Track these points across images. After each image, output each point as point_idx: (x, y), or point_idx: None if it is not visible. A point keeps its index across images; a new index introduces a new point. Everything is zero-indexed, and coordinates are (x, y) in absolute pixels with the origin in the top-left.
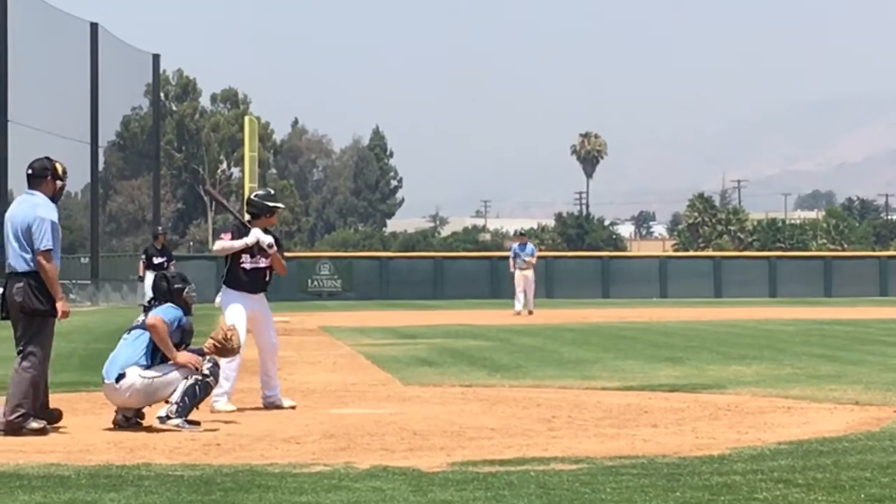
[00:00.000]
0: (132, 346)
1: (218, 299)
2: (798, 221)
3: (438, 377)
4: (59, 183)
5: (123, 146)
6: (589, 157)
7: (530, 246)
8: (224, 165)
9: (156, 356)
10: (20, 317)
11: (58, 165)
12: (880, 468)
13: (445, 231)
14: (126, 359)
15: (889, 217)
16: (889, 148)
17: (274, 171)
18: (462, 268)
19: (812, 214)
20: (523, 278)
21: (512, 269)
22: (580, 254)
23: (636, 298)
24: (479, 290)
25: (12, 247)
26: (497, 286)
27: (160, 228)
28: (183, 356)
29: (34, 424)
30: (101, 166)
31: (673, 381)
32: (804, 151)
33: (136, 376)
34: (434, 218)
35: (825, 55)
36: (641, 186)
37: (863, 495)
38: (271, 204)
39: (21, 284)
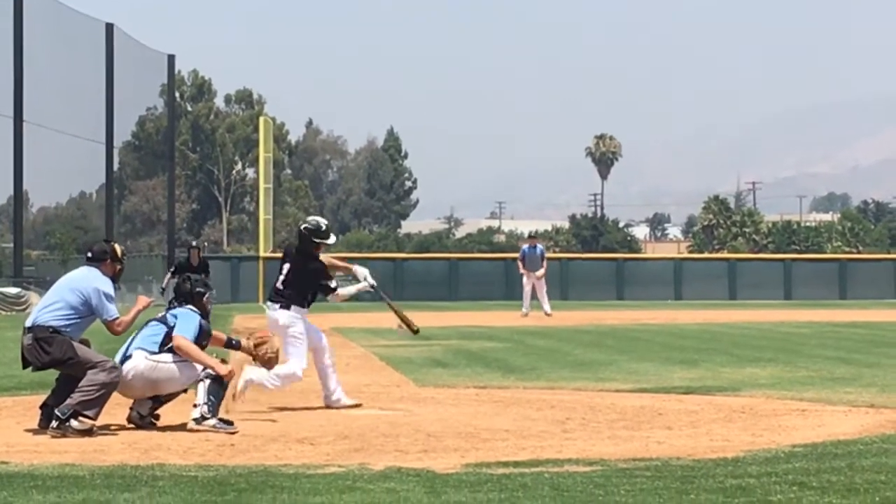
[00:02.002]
0: (145, 335)
1: (276, 314)
2: (813, 224)
3: (453, 378)
4: (118, 266)
5: (138, 146)
6: (604, 158)
7: (540, 248)
8: (239, 166)
9: (163, 347)
10: (49, 364)
11: (116, 247)
12: (895, 471)
13: (460, 232)
14: (135, 345)
15: None
16: None
17: (289, 171)
18: (477, 269)
19: (827, 217)
20: (532, 280)
21: (521, 271)
22: (595, 255)
23: (651, 300)
24: (493, 292)
25: (45, 301)
26: (511, 288)
27: (194, 242)
28: (221, 367)
29: (76, 424)
30: (116, 166)
31: (687, 383)
32: (819, 154)
33: (142, 358)
34: (449, 219)
35: (841, 58)
36: (656, 188)
37: (877, 498)
38: (317, 241)
39: (29, 340)
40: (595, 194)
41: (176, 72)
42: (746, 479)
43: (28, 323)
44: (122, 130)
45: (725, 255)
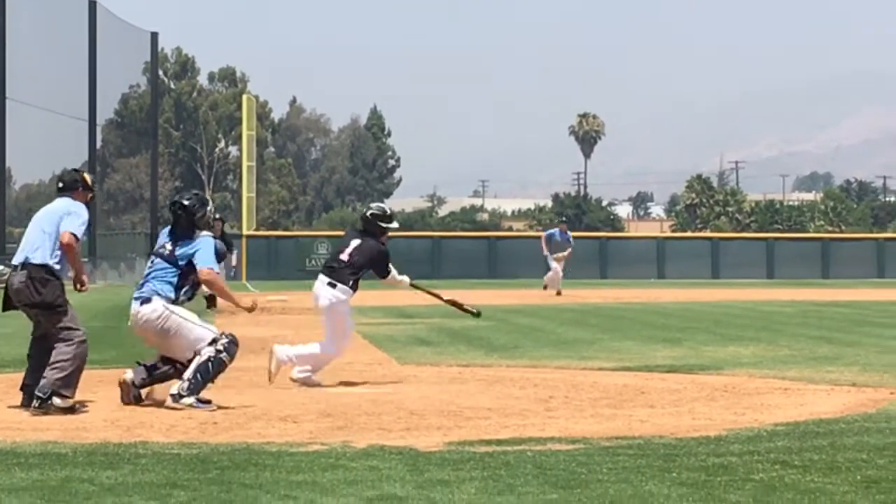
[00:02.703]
0: (158, 275)
1: (334, 296)
2: (796, 203)
3: (436, 357)
4: (89, 194)
5: (121, 124)
6: (587, 137)
7: (568, 234)
8: (222, 144)
9: (179, 291)
10: (29, 308)
11: (86, 176)
12: (876, 450)
13: (443, 211)
14: (153, 288)
15: (887, 199)
16: (887, 130)
17: (272, 149)
18: (460, 247)
19: (810, 196)
20: (556, 259)
21: (545, 253)
22: (578, 234)
23: (634, 279)
24: (476, 270)
25: (28, 237)
26: (495, 266)
27: (218, 214)
28: (245, 300)
29: (58, 402)
30: (98, 144)
31: (670, 361)
32: (802, 133)
33: (161, 305)
34: (432, 197)
35: (824, 36)
36: (639, 167)
37: (859, 477)
38: (382, 225)
39: (23, 278)
40: (578, 173)
41: (159, 49)
42: (729, 458)
43: (17, 260)
44: (105, 108)
45: (708, 234)
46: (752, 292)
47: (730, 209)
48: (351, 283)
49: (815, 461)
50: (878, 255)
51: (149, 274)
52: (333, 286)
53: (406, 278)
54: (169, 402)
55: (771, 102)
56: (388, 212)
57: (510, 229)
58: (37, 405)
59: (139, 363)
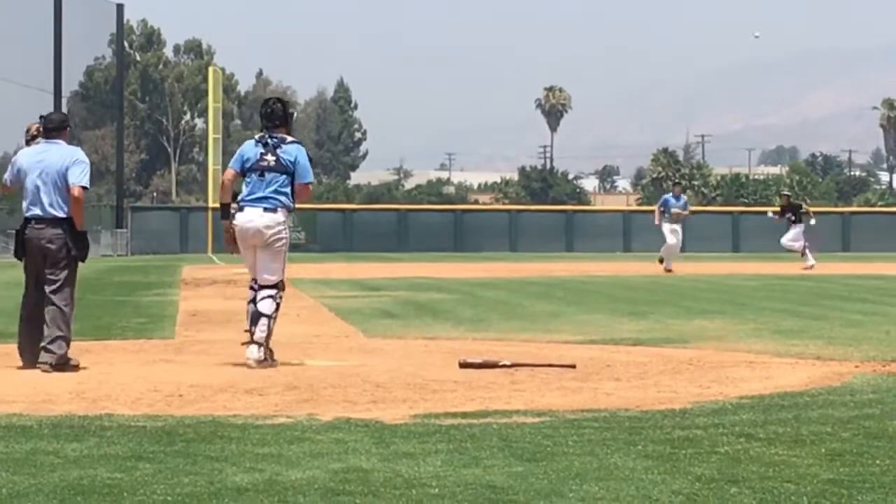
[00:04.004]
0: (278, 187)
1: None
2: (762, 177)
3: (402, 330)
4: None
5: (87, 96)
6: (553, 110)
7: (684, 198)
8: (188, 116)
9: (293, 201)
10: (51, 262)
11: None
12: (841, 423)
13: (409, 184)
14: (277, 199)
15: (852, 173)
16: (853, 105)
17: (238, 122)
18: (426, 220)
19: (776, 170)
20: (672, 231)
21: (657, 223)
22: (544, 207)
23: (600, 252)
24: (443, 243)
25: (46, 192)
26: (461, 239)
27: None
28: None
29: (73, 361)
30: None
31: (636, 335)
32: (768, 107)
33: (282, 219)
34: (398, 171)
35: (789, 11)
36: (606, 141)
37: (823, 450)
38: None
39: (59, 231)
40: (544, 146)
41: (125, 21)
42: (694, 431)
43: (43, 213)
44: (70, 80)
45: None
46: (718, 266)
47: (696, 183)
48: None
49: (780, 434)
50: (842, 228)
51: (264, 186)
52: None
53: None
54: (252, 365)
55: (737, 76)
56: None
57: (476, 202)
58: (52, 364)
59: (245, 343)
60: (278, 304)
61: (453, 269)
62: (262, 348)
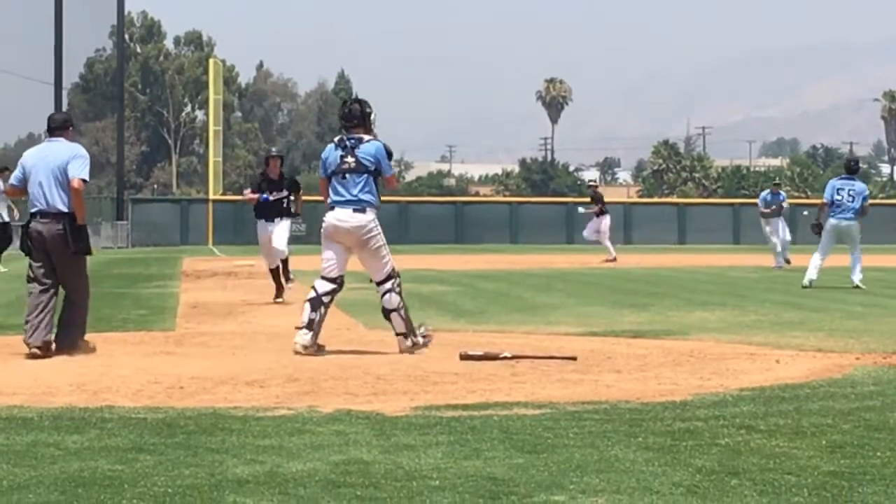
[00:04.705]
0: (364, 187)
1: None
2: (762, 169)
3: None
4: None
5: (87, 88)
6: (554, 102)
7: (783, 194)
8: (188, 108)
9: (379, 198)
10: (58, 257)
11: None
12: (841, 415)
13: (410, 175)
14: (365, 199)
15: None
16: (853, 97)
17: (239, 114)
18: (427, 212)
19: (776, 162)
20: (770, 225)
21: (763, 223)
22: (545, 199)
23: (600, 244)
24: (443, 235)
25: (49, 187)
26: (462, 231)
27: (274, 150)
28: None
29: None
30: (64, 108)
31: (636, 326)
32: (769, 99)
33: (373, 217)
34: (399, 163)
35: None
36: (606, 132)
37: (824, 442)
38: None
39: (60, 227)
40: (545, 138)
41: (125, 13)
42: (694, 423)
43: (38, 208)
44: (70, 72)
45: (675, 199)
46: (719, 257)
47: (696, 175)
48: None
49: (781, 426)
50: None
51: (350, 188)
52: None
53: None
54: (410, 353)
55: (738, 68)
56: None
57: (477, 194)
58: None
59: (299, 327)
60: (399, 294)
61: (454, 261)
62: (408, 337)
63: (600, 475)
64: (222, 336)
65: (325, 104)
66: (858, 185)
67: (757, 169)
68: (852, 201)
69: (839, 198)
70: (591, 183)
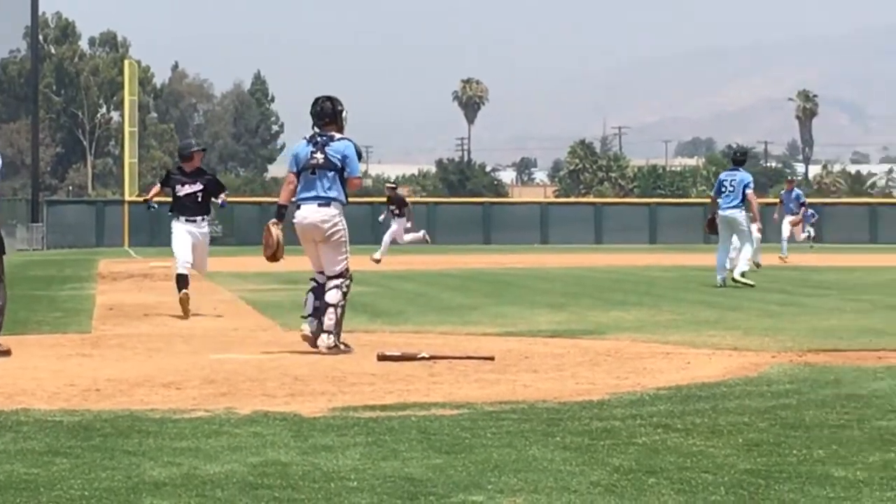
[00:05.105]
0: (330, 182)
1: None
2: (678, 168)
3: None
4: None
5: (1, 90)
6: (470, 102)
7: (797, 191)
8: (104, 109)
9: (346, 195)
10: None
11: None
12: (758, 413)
13: None
14: (330, 193)
15: (768, 164)
16: (768, 97)
17: (154, 115)
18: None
19: (692, 161)
20: (788, 225)
21: (776, 217)
22: (462, 200)
23: (517, 244)
24: (360, 236)
25: None
26: (378, 231)
27: (194, 142)
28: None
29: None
30: None
31: (553, 326)
32: (685, 99)
33: (338, 212)
34: None
35: (706, 4)
36: (523, 133)
37: (740, 440)
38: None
39: None
40: (462, 138)
41: (39, 14)
42: (612, 422)
43: None
44: None
45: (591, 199)
46: (635, 257)
47: (613, 175)
48: None
49: (698, 424)
50: (761, 219)
51: (316, 183)
52: None
53: None
54: (324, 350)
55: (654, 68)
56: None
57: None
58: None
59: (304, 316)
60: (345, 294)
61: (370, 262)
62: (331, 335)
63: (518, 475)
64: (138, 338)
65: (241, 105)
66: (740, 175)
67: (673, 168)
68: (733, 191)
69: (724, 190)
70: (390, 185)
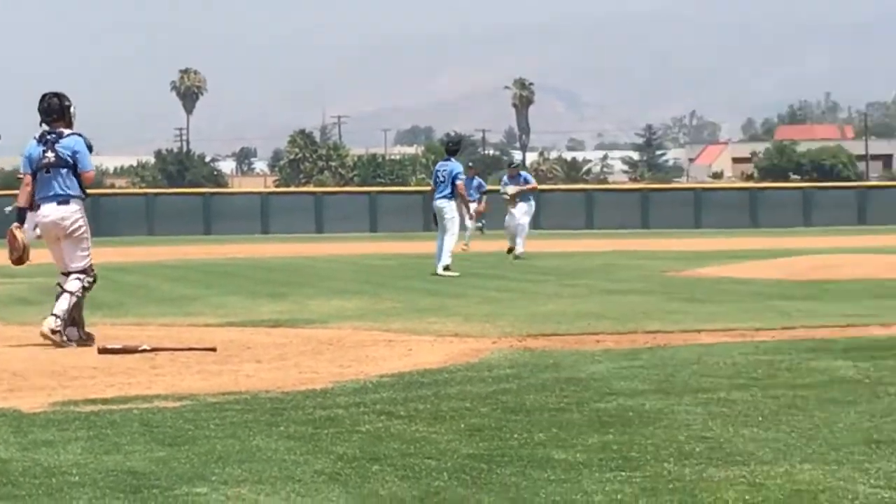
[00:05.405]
0: (64, 179)
1: None
2: (398, 157)
3: (40, 317)
4: None
5: None
6: (189, 93)
7: (478, 179)
8: None
9: (84, 190)
10: None
11: None
12: (479, 398)
13: None
14: (67, 191)
15: (486, 152)
16: (484, 86)
17: None
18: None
19: (411, 150)
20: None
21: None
22: (181, 191)
23: (238, 234)
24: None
25: None
26: (97, 223)
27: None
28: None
29: None
30: None
31: (276, 316)
32: (402, 88)
33: (79, 208)
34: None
35: None
36: (243, 122)
37: (462, 425)
38: None
39: None
40: (181, 129)
41: None
42: (335, 410)
43: None
44: None
45: (312, 188)
46: (356, 245)
47: (333, 163)
48: None
49: (421, 411)
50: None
51: (52, 182)
52: None
53: None
54: (50, 335)
55: (369, 58)
56: None
57: (112, 186)
58: None
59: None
60: (84, 287)
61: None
62: (58, 319)
63: (242, 465)
64: None
65: None
66: (450, 166)
67: (392, 157)
68: (444, 181)
69: (437, 180)
70: (19, 177)
